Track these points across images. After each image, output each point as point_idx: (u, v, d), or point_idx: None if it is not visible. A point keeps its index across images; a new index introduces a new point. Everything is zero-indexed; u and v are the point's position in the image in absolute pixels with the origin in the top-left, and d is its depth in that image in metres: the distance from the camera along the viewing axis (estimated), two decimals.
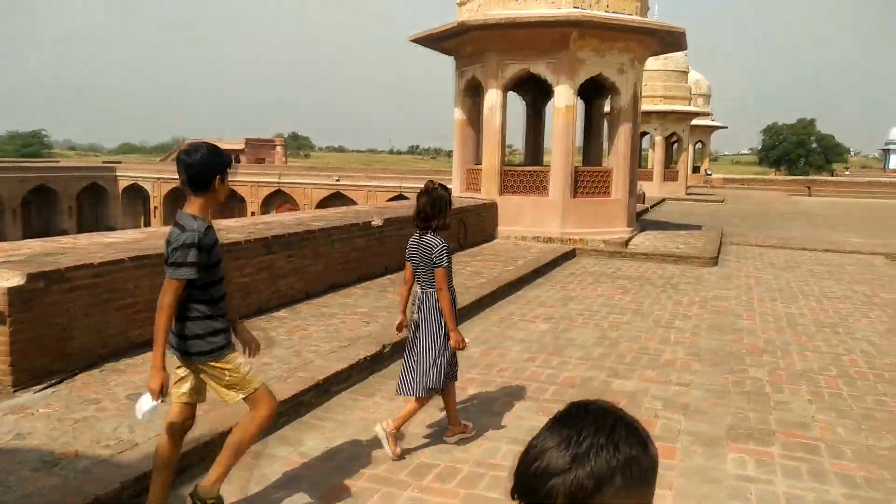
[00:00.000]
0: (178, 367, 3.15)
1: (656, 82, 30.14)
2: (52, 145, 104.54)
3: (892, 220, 22.16)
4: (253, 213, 42.21)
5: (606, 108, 15.32)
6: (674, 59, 29.50)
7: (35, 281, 4.57)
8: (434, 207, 4.09)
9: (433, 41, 14.03)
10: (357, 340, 5.86)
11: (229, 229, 7.32)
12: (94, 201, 48.66)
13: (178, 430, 3.21)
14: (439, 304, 4.06)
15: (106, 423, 3.98)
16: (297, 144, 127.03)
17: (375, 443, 4.19)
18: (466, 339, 4.23)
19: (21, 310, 4.48)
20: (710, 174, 44.78)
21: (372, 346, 5.70)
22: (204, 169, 2.95)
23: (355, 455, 4.05)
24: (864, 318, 7.93)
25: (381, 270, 9.01)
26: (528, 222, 12.84)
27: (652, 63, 25.16)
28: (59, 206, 45.45)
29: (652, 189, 28.62)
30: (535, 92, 15.71)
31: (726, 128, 45.54)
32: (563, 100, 12.82)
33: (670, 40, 13.79)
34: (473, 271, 9.50)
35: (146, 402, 2.93)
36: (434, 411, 4.73)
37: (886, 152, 77.93)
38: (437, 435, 4.34)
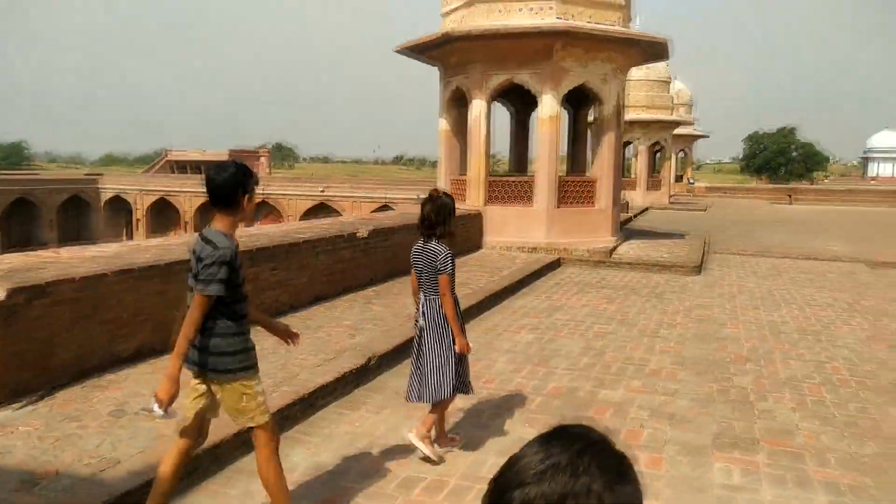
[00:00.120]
0: (197, 382, 3.14)
1: (639, 92, 30.38)
2: (33, 157, 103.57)
3: (871, 228, 22.44)
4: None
5: (591, 118, 15.44)
6: (656, 69, 29.75)
7: (16, 295, 4.51)
8: (438, 215, 4.14)
9: (418, 51, 14.07)
10: (342, 353, 5.84)
11: None
12: (75, 214, 48.22)
13: (189, 444, 3.20)
14: (443, 311, 4.10)
15: (88, 440, 3.94)
16: (281, 155, 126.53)
17: (362, 456, 4.18)
18: (471, 344, 4.28)
19: (1, 325, 4.42)
20: (694, 182, 45.16)
21: (357, 358, 5.68)
22: (231, 187, 2.99)
23: (342, 469, 4.03)
24: (846, 326, 8.01)
25: (366, 282, 8.99)
26: (514, 232, 12.87)
27: (635, 73, 25.40)
28: (40, 219, 45.02)
29: (636, 198, 28.83)
30: (520, 102, 15.79)
31: (709, 136, 46.04)
32: (548, 109, 12.90)
33: (653, 50, 13.92)
34: (459, 282, 9.43)
35: (156, 410, 2.96)
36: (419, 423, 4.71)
37: (865, 160, 79.03)
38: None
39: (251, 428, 3.17)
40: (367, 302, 8.12)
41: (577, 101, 15.07)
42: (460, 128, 14.38)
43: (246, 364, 3.08)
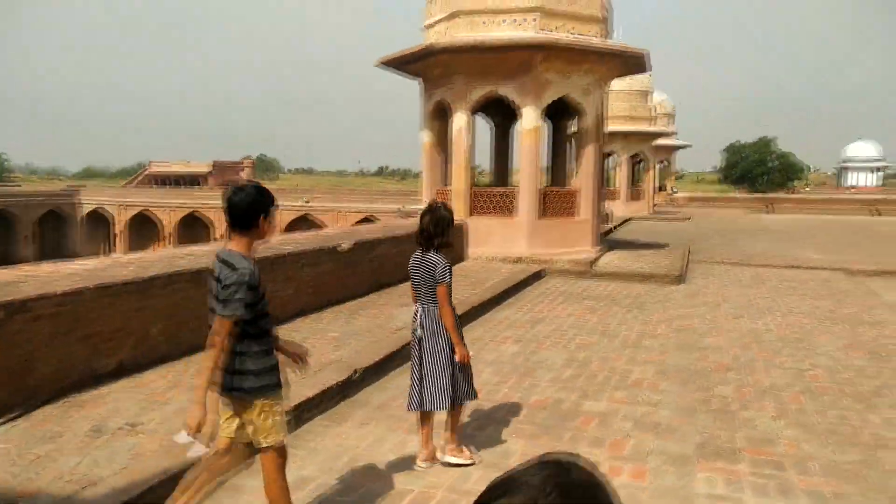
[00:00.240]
0: (226, 403, 3.11)
1: (620, 103, 30.66)
2: (12, 169, 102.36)
3: (849, 236, 22.75)
4: (220, 237, 41.76)
5: (572, 130, 15.55)
6: (637, 80, 30.02)
7: None
8: (437, 226, 4.19)
9: (400, 64, 14.12)
10: (327, 366, 5.81)
11: (197, 255, 7.23)
12: (54, 227, 47.72)
13: (220, 465, 3.18)
14: (442, 320, 4.15)
15: (68, 458, 3.88)
16: (264, 167, 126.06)
17: (348, 470, 4.16)
18: (471, 353, 4.33)
19: None
20: (675, 192, 45.59)
21: (342, 371, 5.66)
22: (250, 208, 3.00)
23: (328, 483, 4.00)
24: (826, 334, 8.11)
25: (350, 295, 8.96)
26: (497, 243, 12.91)
27: (616, 84, 25.59)
28: (17, 233, 44.47)
29: (618, 208, 29.02)
30: (502, 114, 15.87)
31: (690, 146, 46.57)
32: (530, 121, 12.98)
33: (633, 62, 14.07)
34: None
35: (183, 437, 2.93)
36: (404, 435, 4.70)
37: (841, 170, 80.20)
38: (410, 459, 4.31)
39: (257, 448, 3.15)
40: (351, 314, 8.09)
41: (558, 113, 15.17)
42: (443, 140, 14.43)
43: (270, 382, 3.07)
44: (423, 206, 15.56)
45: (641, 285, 11.55)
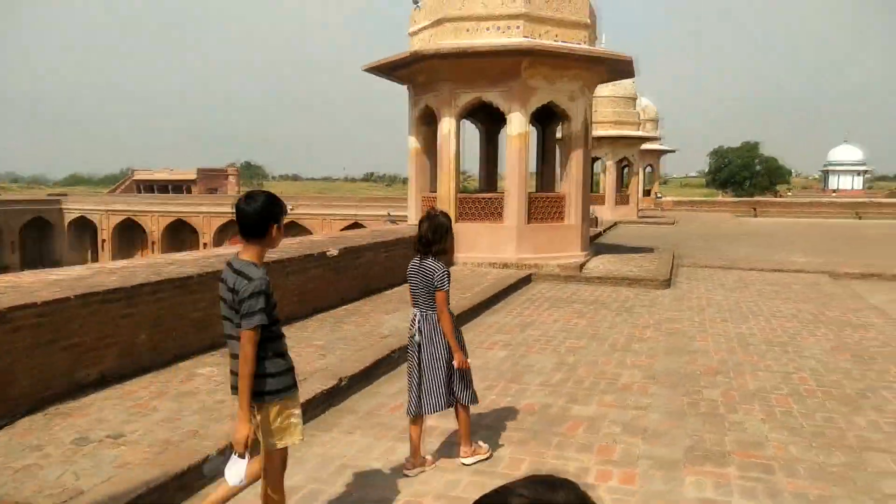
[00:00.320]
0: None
1: (606, 108, 30.81)
2: None
3: (833, 240, 22.95)
4: (206, 245, 41.53)
5: (559, 135, 15.58)
6: (623, 86, 30.23)
7: None
8: (435, 233, 4.23)
9: (386, 70, 14.11)
10: (313, 374, 5.77)
11: (182, 263, 7.17)
12: (38, 235, 47.27)
13: (255, 470, 3.19)
14: (440, 326, 4.21)
15: (50, 470, 3.82)
16: (250, 173, 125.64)
17: (335, 478, 4.13)
18: (469, 360, 4.39)
19: None
20: (661, 197, 45.81)
21: (328, 379, 5.62)
22: (261, 217, 3.01)
23: (315, 492, 3.96)
24: (812, 337, 8.15)
25: (337, 302, 8.92)
26: (485, 248, 12.91)
27: (602, 90, 25.73)
28: (1, 241, 43.99)
29: (605, 213, 29.12)
30: (489, 119, 15.90)
31: (675, 151, 46.79)
32: (516, 127, 13.00)
33: (619, 68, 14.14)
34: None
35: (235, 464, 2.95)
36: (392, 443, 4.68)
37: (825, 173, 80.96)
38: (399, 467, 4.29)
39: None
40: (337, 322, 8.05)
41: (545, 118, 15.23)
42: (430, 145, 14.43)
43: (286, 385, 3.11)
44: (410, 212, 15.57)
45: (629, 289, 11.59)
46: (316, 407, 5.24)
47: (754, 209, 39.77)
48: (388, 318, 8.32)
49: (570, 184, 13.79)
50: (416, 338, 4.30)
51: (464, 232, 13.09)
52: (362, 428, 5.01)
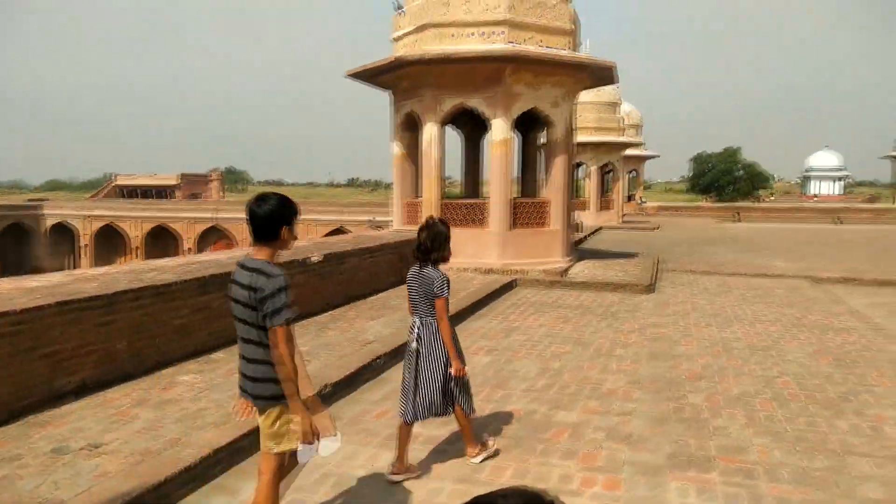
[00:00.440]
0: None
1: (589, 114, 30.99)
2: None
3: (814, 245, 23.19)
4: (188, 250, 41.20)
5: (542, 141, 15.65)
6: (606, 92, 30.41)
7: None
8: (434, 241, 4.28)
9: (370, 76, 14.10)
10: None
11: (163, 269, 7.10)
12: (17, 241, 46.67)
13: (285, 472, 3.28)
14: (440, 334, 4.25)
15: (27, 481, 3.75)
16: (233, 179, 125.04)
17: (318, 487, 4.09)
18: (465, 367, 4.42)
19: None
20: (644, 202, 46.12)
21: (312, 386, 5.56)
22: (272, 219, 3.03)
23: (296, 501, 3.92)
24: (794, 341, 8.21)
25: (320, 308, 8.87)
26: (469, 254, 12.90)
27: (584, 96, 25.87)
28: None
29: (588, 218, 29.27)
30: (472, 125, 15.92)
31: (658, 157, 47.21)
32: (500, 133, 13.03)
33: (601, 74, 14.22)
34: None
35: (307, 451, 3.06)
36: (375, 450, 4.64)
37: (805, 178, 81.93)
38: (382, 474, 4.25)
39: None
40: (321, 328, 8.00)
41: (528, 124, 15.27)
42: (413, 151, 14.42)
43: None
44: (394, 217, 15.55)
45: (613, 294, 11.62)
46: None
47: (736, 214, 40.14)
48: (372, 324, 8.29)
49: (553, 189, 13.83)
50: (414, 344, 4.32)
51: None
52: (346, 435, 4.95)
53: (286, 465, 3.24)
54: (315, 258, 8.79)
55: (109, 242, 45.59)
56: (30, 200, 56.92)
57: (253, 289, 2.96)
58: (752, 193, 74.26)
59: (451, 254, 4.43)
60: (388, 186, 20.82)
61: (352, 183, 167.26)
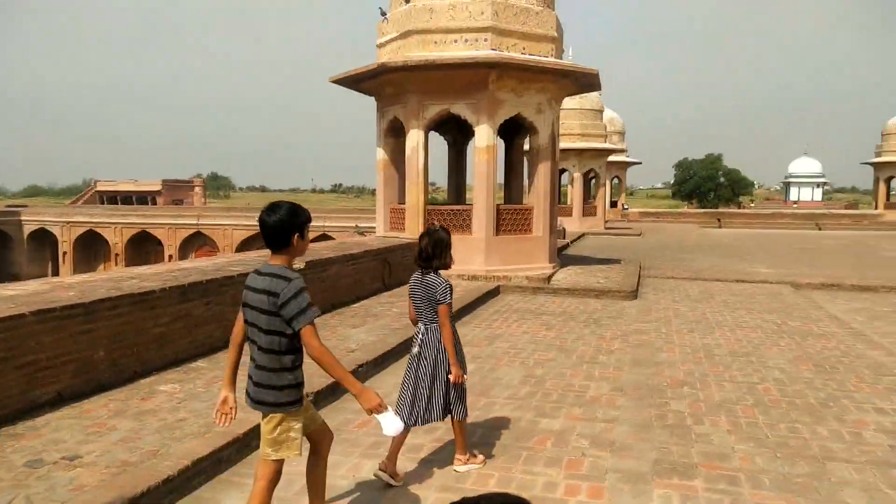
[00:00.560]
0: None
1: (573, 121, 31.15)
2: None
3: (795, 250, 23.42)
4: (171, 257, 40.86)
5: (526, 147, 15.68)
6: (589, 99, 30.62)
7: None
8: (435, 248, 4.32)
9: (353, 82, 14.08)
10: None
11: (144, 277, 7.02)
12: None
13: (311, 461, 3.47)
14: (442, 339, 4.29)
15: (1, 495, 3.67)
16: (216, 185, 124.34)
17: (300, 498, 4.04)
18: (465, 375, 4.45)
19: None
20: (628, 208, 46.38)
21: None
22: (283, 228, 3.10)
23: None
24: (775, 347, 8.27)
25: None
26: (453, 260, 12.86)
27: (568, 102, 26.01)
28: None
29: (572, 224, 29.37)
30: (457, 131, 15.94)
31: (641, 163, 47.50)
32: (484, 139, 13.04)
33: (585, 81, 14.28)
34: (400, 312, 9.41)
35: (389, 420, 3.18)
36: (359, 459, 4.60)
37: (786, 184, 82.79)
38: (366, 484, 4.21)
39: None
40: None
41: (512, 130, 15.30)
42: (398, 157, 14.40)
43: (292, 399, 3.17)
44: (378, 223, 15.46)
45: (596, 301, 11.66)
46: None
47: (718, 220, 40.48)
48: (355, 332, 8.24)
49: (537, 196, 13.87)
50: (416, 349, 4.38)
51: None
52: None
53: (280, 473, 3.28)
54: (297, 265, 8.73)
55: (90, 249, 45.08)
56: (9, 206, 56.19)
57: (271, 293, 3.03)
58: (734, 199, 74.96)
59: (454, 260, 4.47)
60: (373, 192, 20.76)
61: (336, 189, 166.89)
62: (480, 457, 4.59)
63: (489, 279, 12.53)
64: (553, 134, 14.06)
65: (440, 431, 5.14)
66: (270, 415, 3.14)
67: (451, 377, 4.30)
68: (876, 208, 43.10)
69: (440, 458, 4.69)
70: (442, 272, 4.37)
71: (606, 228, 32.70)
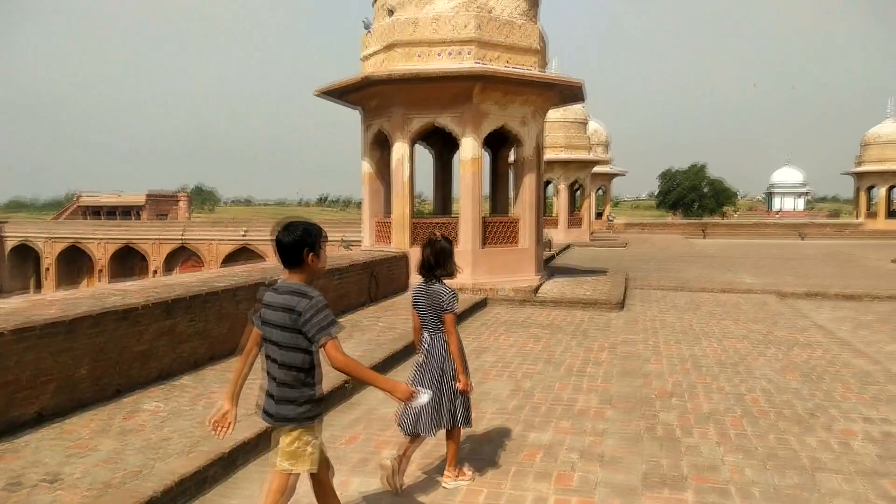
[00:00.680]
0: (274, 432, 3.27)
1: (558, 132, 31.30)
2: None
3: (779, 260, 23.59)
4: (156, 272, 40.53)
5: (511, 158, 15.72)
6: (573, 110, 30.78)
7: None
8: (437, 257, 4.37)
9: (338, 94, 14.06)
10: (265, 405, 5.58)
11: (127, 293, 6.92)
12: None
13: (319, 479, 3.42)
14: (450, 348, 4.32)
15: None
16: (201, 198, 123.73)
17: None
18: (472, 383, 4.46)
19: None
20: (613, 219, 46.61)
21: None
22: (295, 247, 3.15)
23: None
24: (762, 357, 8.29)
25: None
26: None
27: (552, 114, 26.13)
28: None
29: (558, 235, 29.44)
30: (442, 143, 15.95)
31: (626, 174, 47.76)
32: (469, 151, 13.05)
33: (569, 93, 14.36)
34: (386, 326, 9.36)
35: (420, 398, 3.31)
36: (346, 476, 4.54)
37: (769, 195, 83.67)
38: (354, 501, 4.16)
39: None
40: None
41: (498, 142, 15.34)
42: (383, 169, 14.38)
43: (310, 414, 3.21)
44: (364, 236, 15.38)
45: (583, 312, 11.66)
46: (268, 440, 5.05)
47: (703, 230, 40.76)
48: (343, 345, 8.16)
49: (523, 207, 13.89)
50: (421, 359, 4.41)
51: (418, 256, 13.02)
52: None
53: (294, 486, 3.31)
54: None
55: (74, 264, 44.61)
56: None
57: (293, 310, 3.08)
58: (719, 210, 75.55)
59: (459, 270, 4.51)
60: (359, 204, 20.72)
61: (322, 201, 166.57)
62: (469, 472, 4.55)
63: (476, 291, 12.50)
64: (538, 145, 14.10)
65: (429, 446, 5.09)
66: (289, 430, 3.18)
67: (459, 386, 4.31)
68: (857, 218, 43.57)
69: (428, 473, 4.64)
70: (447, 281, 4.40)
71: (592, 239, 32.82)
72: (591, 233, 34.50)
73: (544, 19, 14.32)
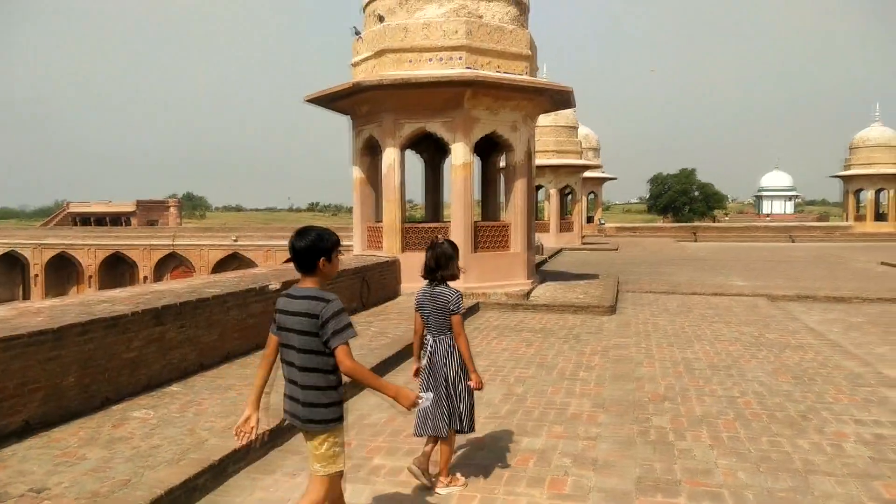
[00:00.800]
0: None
1: (548, 137, 31.39)
2: None
3: (769, 263, 23.69)
4: (146, 278, 40.31)
5: (502, 164, 15.72)
6: (564, 116, 30.87)
7: None
8: (439, 260, 4.41)
9: (328, 101, 14.04)
10: None
11: (116, 301, 6.86)
12: None
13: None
14: (459, 349, 4.35)
15: None
16: (192, 205, 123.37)
17: None
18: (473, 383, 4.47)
19: None
20: (604, 223, 46.73)
21: (271, 419, 5.37)
22: (309, 253, 3.20)
23: None
24: (754, 359, 8.30)
25: None
26: None
27: (543, 119, 26.22)
28: None
29: (549, 240, 29.49)
30: (433, 149, 15.95)
31: (616, 179, 48.00)
32: (460, 157, 13.05)
33: (559, 98, 14.39)
34: (377, 331, 9.32)
35: (424, 401, 3.41)
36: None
37: (758, 198, 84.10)
38: None
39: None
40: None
41: (488, 147, 15.34)
42: (374, 175, 14.36)
43: (336, 416, 3.24)
44: (355, 242, 15.34)
45: (575, 316, 11.65)
46: (258, 449, 5.02)
47: (694, 234, 40.91)
48: None
49: (514, 212, 13.89)
50: (425, 362, 4.43)
51: (409, 262, 13.01)
52: (305, 469, 4.80)
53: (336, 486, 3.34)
54: (273, 286, 8.61)
55: (62, 271, 44.33)
56: None
57: (311, 315, 3.12)
58: (709, 213, 75.91)
59: (463, 270, 4.56)
60: (350, 210, 20.70)
61: (313, 207, 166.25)
62: (462, 478, 4.52)
63: (468, 296, 12.46)
64: (529, 151, 14.12)
65: (420, 452, 5.06)
66: (319, 433, 3.20)
67: (472, 384, 4.36)
68: (846, 220, 43.87)
69: (418, 480, 4.60)
70: (451, 283, 4.43)
71: (583, 244, 32.88)
72: (583, 237, 34.58)
73: (533, 25, 14.37)
